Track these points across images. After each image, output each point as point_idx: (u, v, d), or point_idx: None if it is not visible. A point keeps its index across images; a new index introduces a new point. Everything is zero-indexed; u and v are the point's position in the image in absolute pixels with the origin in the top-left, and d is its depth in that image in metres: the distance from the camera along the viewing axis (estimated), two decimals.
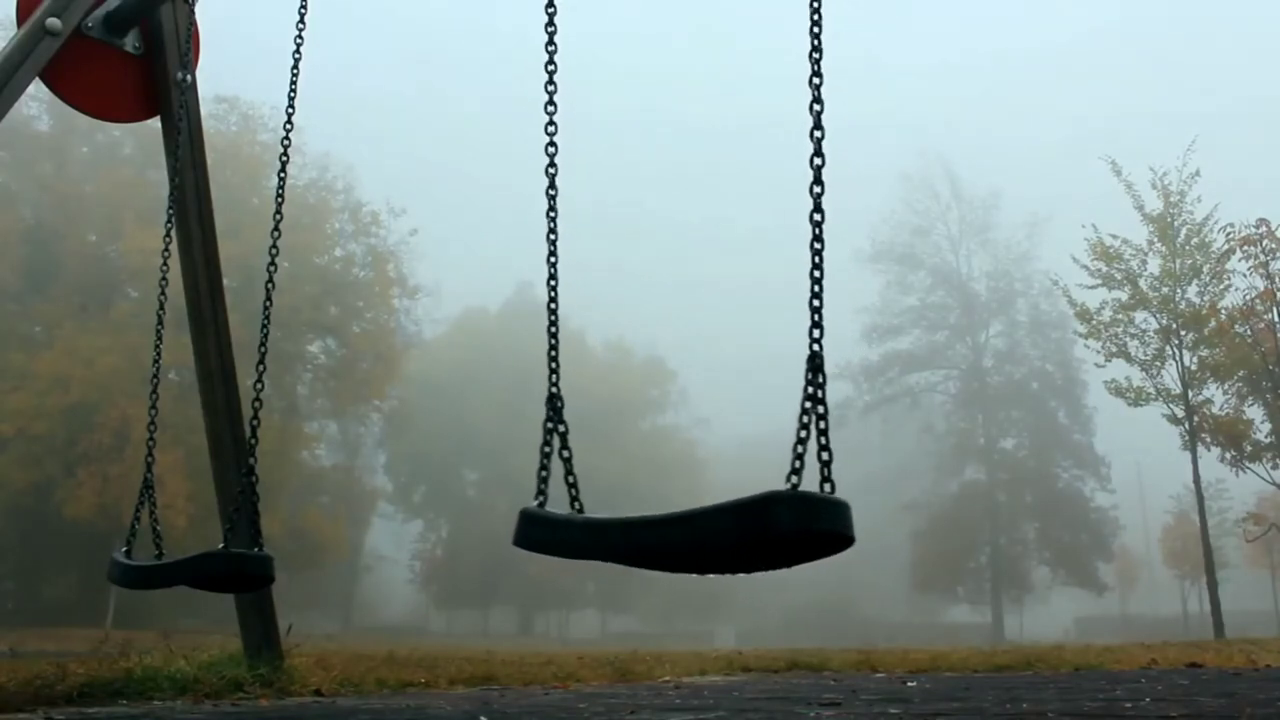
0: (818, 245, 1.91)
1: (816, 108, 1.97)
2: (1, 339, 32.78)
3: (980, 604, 50.15)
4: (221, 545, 3.45)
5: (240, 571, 3.35)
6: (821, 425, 1.79)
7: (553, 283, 2.39)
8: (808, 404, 1.79)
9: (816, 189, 1.94)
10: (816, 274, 1.90)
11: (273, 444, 30.09)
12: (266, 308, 3.56)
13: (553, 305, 2.37)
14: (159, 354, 3.96)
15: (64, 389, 31.33)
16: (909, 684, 5.02)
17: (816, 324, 1.86)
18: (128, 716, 3.21)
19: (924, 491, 50.05)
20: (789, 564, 1.90)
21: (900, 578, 52.06)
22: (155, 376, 3.89)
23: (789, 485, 1.72)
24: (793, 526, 1.69)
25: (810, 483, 1.75)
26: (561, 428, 2.18)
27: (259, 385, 3.45)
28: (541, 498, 2.10)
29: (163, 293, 4.03)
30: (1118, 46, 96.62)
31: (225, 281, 4.69)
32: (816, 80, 1.98)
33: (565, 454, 2.16)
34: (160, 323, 4.01)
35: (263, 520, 3.45)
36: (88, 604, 30.98)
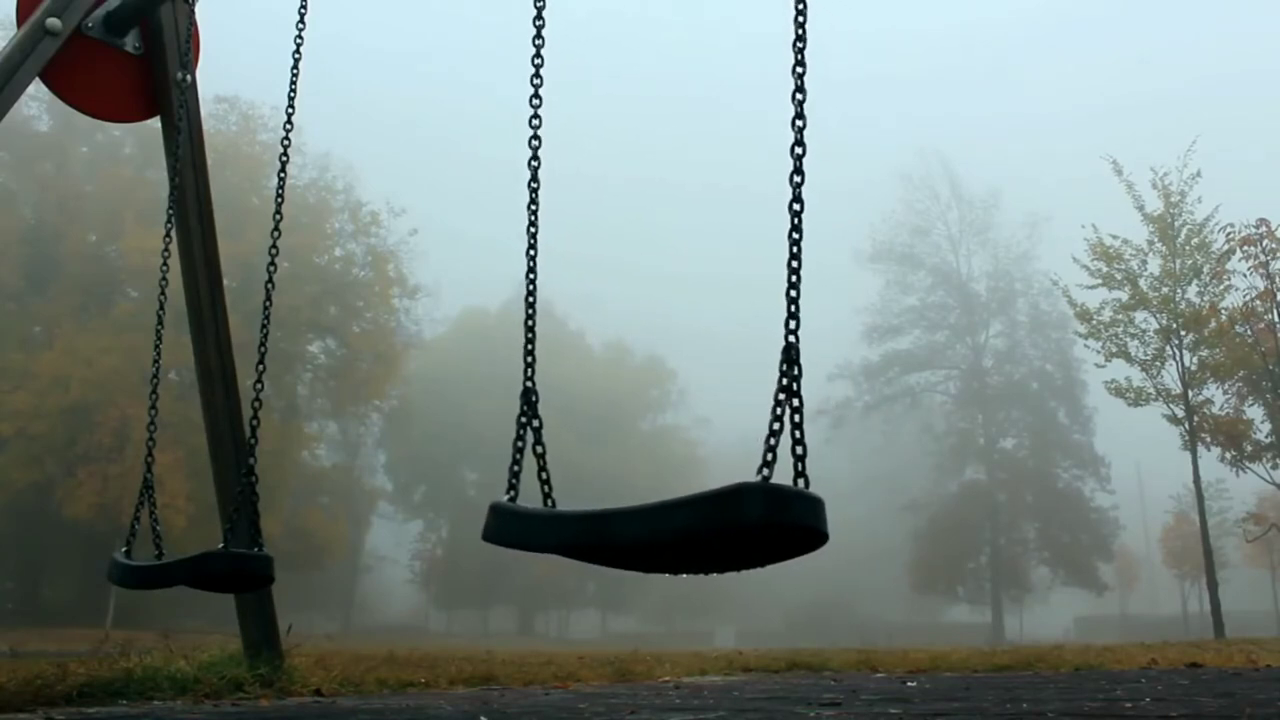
0: (796, 235, 1.90)
1: (799, 96, 1.97)
2: (1, 339, 32.78)
3: (980, 604, 50.14)
4: (221, 545, 3.45)
5: (240, 571, 3.35)
6: (796, 418, 1.76)
7: (531, 276, 2.39)
8: (781, 395, 1.76)
9: (796, 179, 1.93)
10: (794, 264, 1.88)
11: (273, 444, 30.08)
12: (266, 308, 3.56)
13: (530, 300, 2.37)
14: (159, 354, 3.97)
15: (64, 389, 31.32)
16: (909, 684, 5.02)
17: (793, 315, 1.84)
18: (128, 716, 3.21)
19: (924, 491, 50.06)
20: (761, 562, 1.87)
21: (900, 578, 52.06)
22: (155, 376, 3.89)
23: (760, 477, 1.68)
24: (762, 519, 1.64)
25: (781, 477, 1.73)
26: (535, 422, 2.17)
27: (259, 385, 3.45)
28: (512, 492, 2.09)
29: (163, 293, 4.03)
30: (1117, 33, 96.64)
31: (225, 281, 4.69)
32: (800, 70, 1.98)
33: (539, 449, 2.16)
34: (160, 323, 4.01)
35: (263, 520, 3.46)
36: (88, 604, 30.96)
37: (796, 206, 1.91)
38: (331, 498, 44.21)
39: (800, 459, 1.75)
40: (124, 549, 3.60)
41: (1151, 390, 23.05)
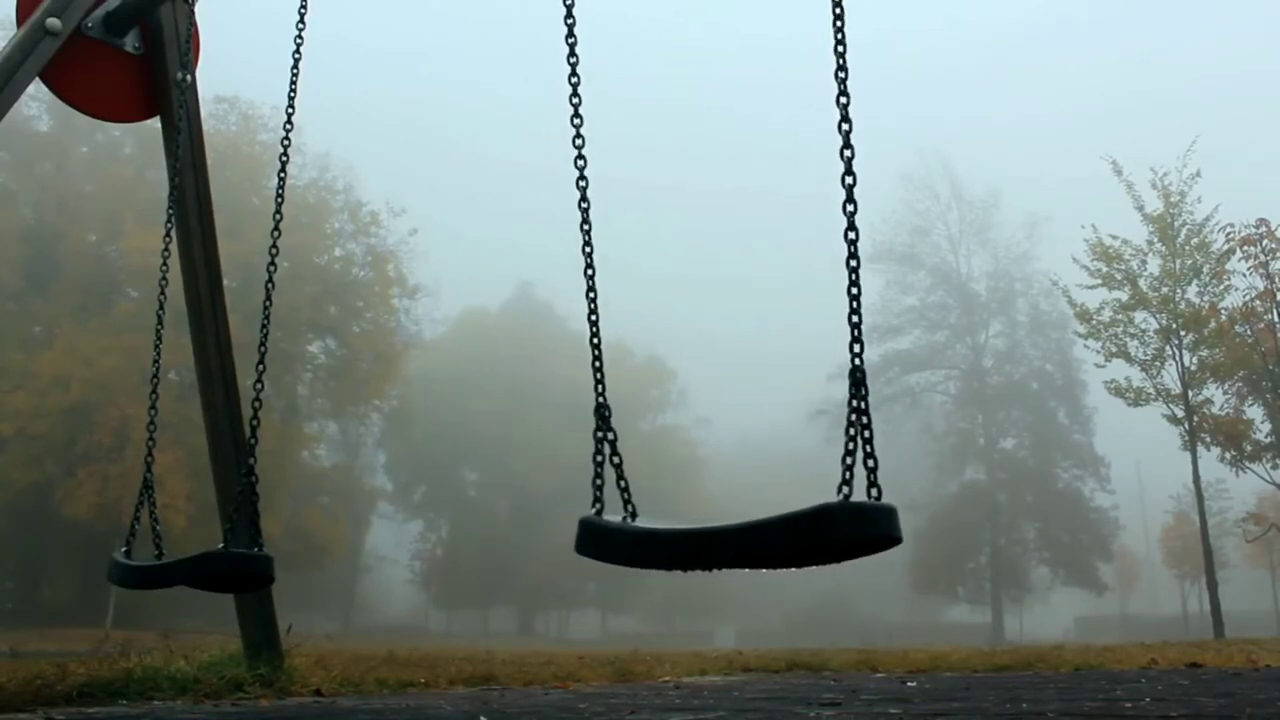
0: (854, 263, 1.92)
1: (845, 126, 1.96)
2: (1, 339, 32.78)
3: (980, 604, 50.13)
4: (221, 545, 3.45)
5: (240, 571, 3.35)
6: (866, 435, 1.85)
7: (592, 295, 2.41)
8: (853, 416, 1.85)
9: (850, 207, 1.93)
10: (854, 290, 1.90)
11: (273, 444, 30.07)
12: (266, 308, 3.56)
13: (593, 319, 2.40)
14: (159, 354, 3.96)
15: (64, 389, 31.32)
16: (909, 684, 5.02)
17: (856, 339, 1.88)
18: (128, 716, 3.21)
19: (924, 491, 50.00)
20: (841, 561, 1.98)
21: (900, 578, 52.02)
22: (155, 376, 3.89)
23: (840, 496, 1.79)
24: (849, 535, 1.78)
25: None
26: (611, 435, 2.19)
27: (259, 385, 3.45)
28: (598, 505, 2.12)
29: (163, 293, 4.03)
30: (1117, 33, 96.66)
31: (225, 281, 4.69)
32: (844, 100, 1.97)
33: (616, 460, 2.19)
34: (160, 323, 4.01)
35: (263, 520, 3.45)
36: (88, 604, 30.97)
37: (852, 235, 1.93)
38: (331, 498, 44.19)
39: (872, 471, 1.86)
40: (124, 549, 3.60)
41: (1151, 390, 23.05)
